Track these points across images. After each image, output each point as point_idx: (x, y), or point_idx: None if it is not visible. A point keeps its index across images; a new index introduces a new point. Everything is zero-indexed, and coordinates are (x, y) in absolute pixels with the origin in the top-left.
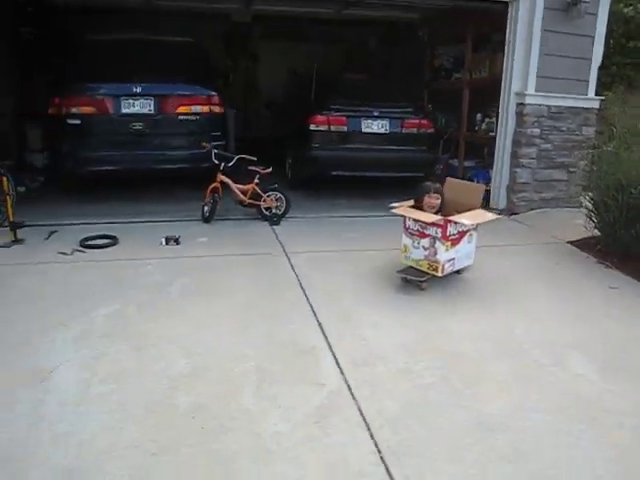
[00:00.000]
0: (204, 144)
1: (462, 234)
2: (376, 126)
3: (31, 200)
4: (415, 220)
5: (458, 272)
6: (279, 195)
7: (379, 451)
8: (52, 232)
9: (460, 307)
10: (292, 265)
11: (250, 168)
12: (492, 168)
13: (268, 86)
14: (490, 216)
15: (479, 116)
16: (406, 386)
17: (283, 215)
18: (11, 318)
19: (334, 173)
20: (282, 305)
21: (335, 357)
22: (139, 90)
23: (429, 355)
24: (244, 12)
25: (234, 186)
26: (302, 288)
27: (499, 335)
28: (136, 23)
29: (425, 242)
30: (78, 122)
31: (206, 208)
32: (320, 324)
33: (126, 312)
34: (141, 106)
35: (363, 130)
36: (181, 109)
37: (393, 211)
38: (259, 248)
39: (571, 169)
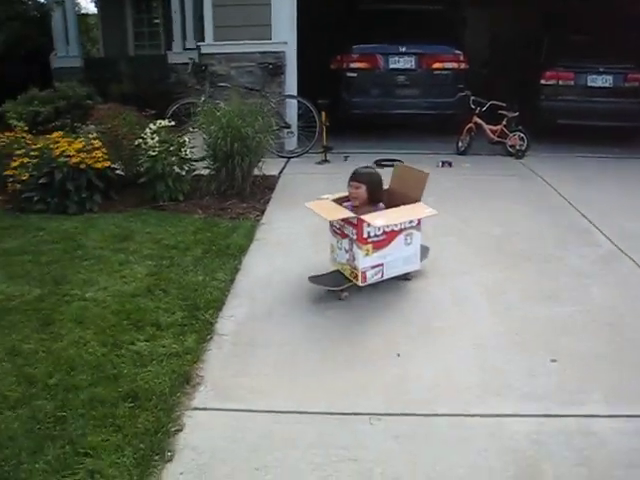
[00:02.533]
0: (467, 92)
1: (391, 235)
2: (600, 80)
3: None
4: None
5: (406, 278)
6: (521, 135)
7: None
8: (346, 156)
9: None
10: (546, 181)
11: (500, 112)
12: None
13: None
14: (426, 212)
15: None
16: None
17: (525, 151)
18: None
19: (560, 121)
20: (551, 204)
21: (604, 234)
22: (404, 49)
23: None
24: None
25: (486, 126)
26: (561, 195)
27: None
28: None
29: (345, 243)
30: (355, 75)
31: (460, 144)
32: (585, 216)
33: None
34: (405, 62)
35: (588, 84)
36: (436, 65)
37: (306, 205)
38: (513, 171)
39: None
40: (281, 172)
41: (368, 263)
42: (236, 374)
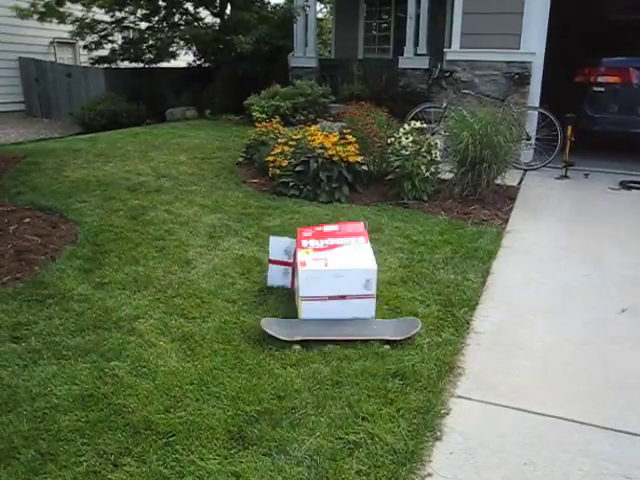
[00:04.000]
0: None
1: None
2: None
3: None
4: None
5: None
6: None
7: None
8: (586, 174)
9: None
10: None
11: None
12: None
13: None
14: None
15: None
16: None
17: None
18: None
19: None
20: None
21: None
22: None
23: None
24: None
25: None
26: None
27: None
28: None
29: None
30: (602, 89)
31: None
32: None
33: None
34: None
35: None
36: None
37: None
38: None
39: None
40: (520, 183)
41: None
42: (496, 371)
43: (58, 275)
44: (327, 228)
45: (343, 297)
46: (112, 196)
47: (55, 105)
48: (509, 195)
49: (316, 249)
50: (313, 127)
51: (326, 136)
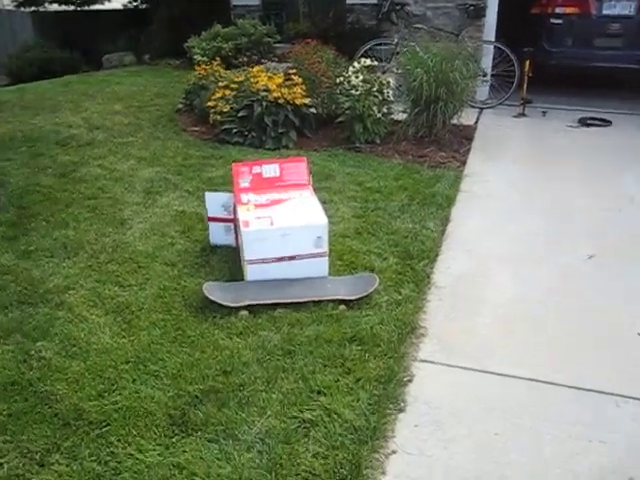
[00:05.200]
0: None
1: None
2: None
3: None
4: None
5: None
6: None
7: None
8: (544, 111)
9: None
10: None
11: None
12: None
13: None
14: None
15: None
16: None
17: None
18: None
19: None
20: None
21: None
22: None
23: None
24: None
25: None
26: None
27: None
28: None
29: None
30: (560, 21)
31: None
32: None
33: None
34: (622, 8)
35: None
36: None
37: None
38: None
39: None
40: (476, 122)
41: None
42: (461, 331)
43: None
44: (267, 169)
45: (292, 258)
46: (40, 152)
47: None
48: (466, 135)
49: (258, 205)
50: (256, 68)
51: (270, 77)
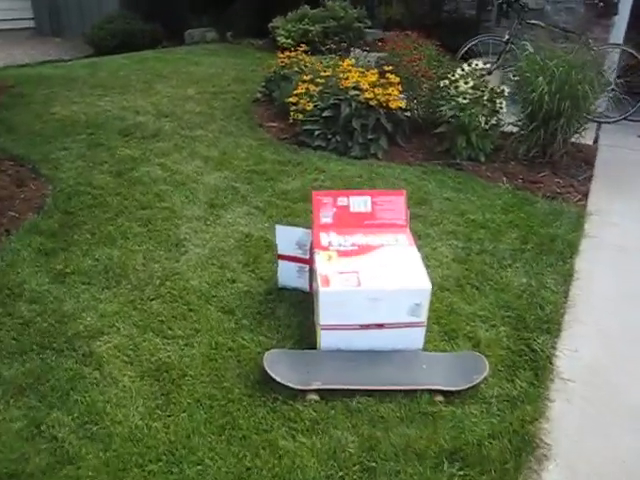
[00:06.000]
0: None
1: None
2: None
3: None
4: None
5: None
6: None
7: None
8: None
9: None
10: None
11: None
12: None
13: None
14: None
15: None
16: None
17: None
18: None
19: None
20: None
21: None
22: None
23: None
24: None
25: None
26: None
27: None
28: None
29: None
30: None
31: None
32: None
33: None
34: None
35: None
36: None
37: None
38: None
39: None
40: (596, 142)
41: None
42: (599, 455)
43: (10, 259)
44: (355, 202)
45: (380, 326)
46: (100, 142)
47: (67, 23)
48: (584, 158)
49: (342, 253)
50: (346, 62)
51: (362, 74)
